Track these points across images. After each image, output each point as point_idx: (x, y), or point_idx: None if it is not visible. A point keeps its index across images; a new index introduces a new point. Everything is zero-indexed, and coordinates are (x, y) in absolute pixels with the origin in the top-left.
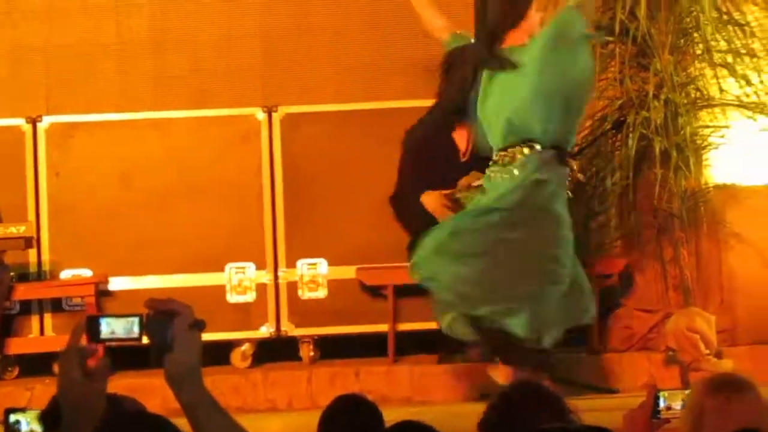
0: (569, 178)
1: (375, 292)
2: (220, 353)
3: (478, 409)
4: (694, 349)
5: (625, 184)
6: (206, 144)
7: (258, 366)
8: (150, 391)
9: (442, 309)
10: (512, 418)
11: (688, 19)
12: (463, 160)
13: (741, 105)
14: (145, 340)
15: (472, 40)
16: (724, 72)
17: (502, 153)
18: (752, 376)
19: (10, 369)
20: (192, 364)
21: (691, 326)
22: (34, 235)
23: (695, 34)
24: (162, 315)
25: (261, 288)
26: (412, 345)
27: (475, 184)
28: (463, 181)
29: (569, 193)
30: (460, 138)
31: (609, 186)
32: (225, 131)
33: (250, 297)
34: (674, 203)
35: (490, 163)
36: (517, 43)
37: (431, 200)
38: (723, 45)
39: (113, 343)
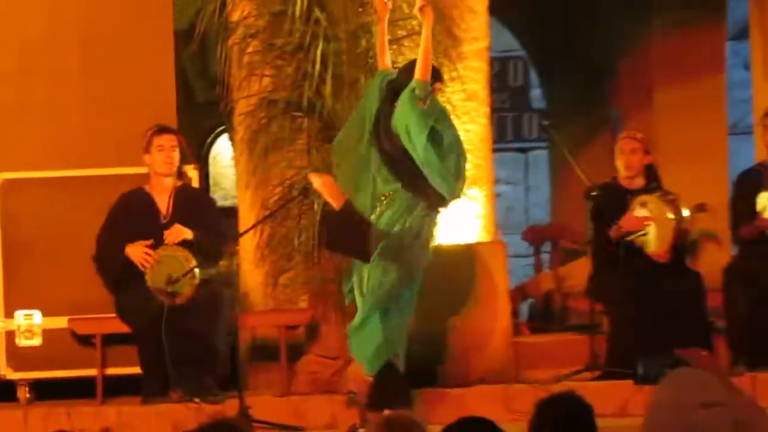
0: None
1: (85, 339)
2: None
3: None
4: None
5: (310, 243)
6: None
7: None
8: None
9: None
10: None
11: None
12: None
13: None
14: None
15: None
16: None
17: None
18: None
19: None
20: None
21: None
22: None
23: None
24: None
25: None
26: (118, 387)
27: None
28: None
29: None
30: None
31: (296, 246)
32: None
33: None
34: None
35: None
36: None
37: (133, 251)
38: None
39: None
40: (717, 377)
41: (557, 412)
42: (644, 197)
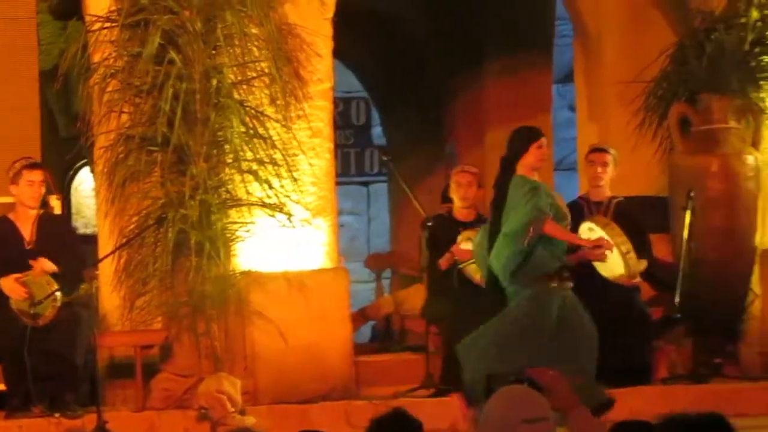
0: None
1: None
2: None
3: None
4: (222, 408)
5: (164, 269)
6: None
7: None
8: None
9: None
10: None
11: (220, 133)
12: None
13: (264, 205)
14: None
15: None
16: (250, 177)
17: None
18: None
19: None
20: None
21: (220, 388)
22: None
23: (226, 146)
24: None
25: None
26: None
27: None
28: None
29: None
30: None
31: (151, 271)
32: None
33: None
34: (207, 286)
35: None
36: None
37: (8, 286)
38: (249, 155)
39: None
40: (563, 393)
41: (388, 428)
42: (472, 232)
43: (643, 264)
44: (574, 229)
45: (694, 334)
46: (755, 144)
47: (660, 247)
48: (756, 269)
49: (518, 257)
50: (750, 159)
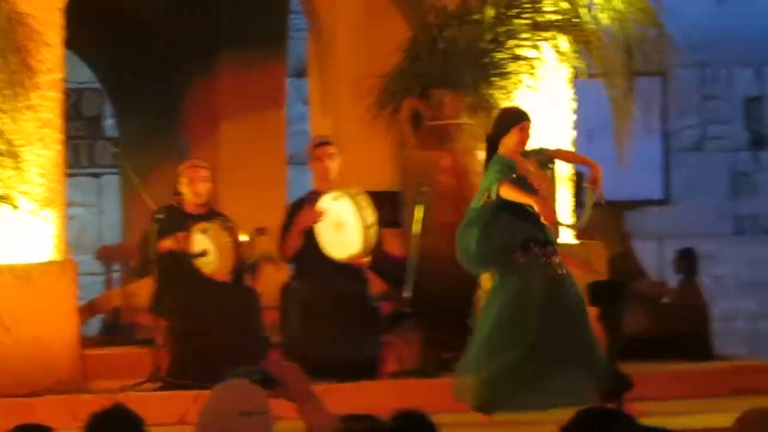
0: None
1: None
2: None
3: None
4: None
5: None
6: None
7: None
8: None
9: None
10: None
11: None
12: None
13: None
14: None
15: None
16: None
17: None
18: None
19: None
20: None
21: None
22: None
23: None
24: None
25: None
26: None
27: None
28: None
29: None
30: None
31: None
32: None
33: None
34: None
35: None
36: None
37: None
38: None
39: None
40: (297, 385)
41: (106, 424)
42: (204, 224)
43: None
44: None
45: (424, 329)
46: None
47: (392, 242)
48: None
49: (475, 238)
50: (481, 155)
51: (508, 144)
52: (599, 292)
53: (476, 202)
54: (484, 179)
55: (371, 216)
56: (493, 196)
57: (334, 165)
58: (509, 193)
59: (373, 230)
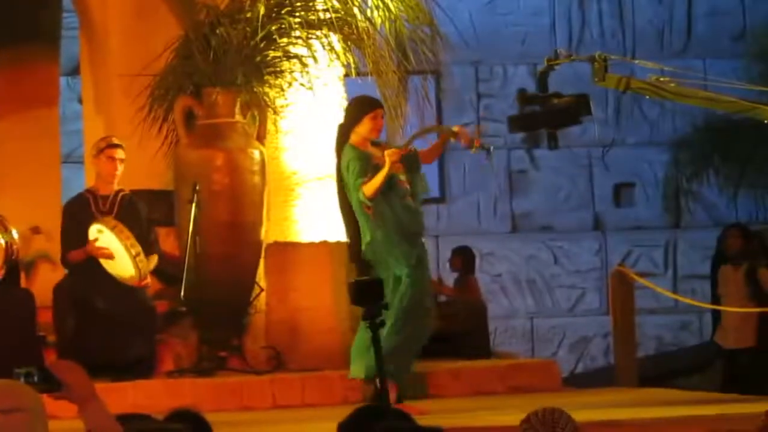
0: None
1: None
2: None
3: None
4: None
5: None
6: None
7: None
8: None
9: None
10: None
11: None
12: None
13: None
14: None
15: None
16: None
17: None
18: None
19: None
20: None
21: None
22: None
23: None
24: None
25: None
26: None
27: None
28: None
29: None
30: None
31: None
32: None
33: None
34: None
35: None
36: None
37: None
38: None
39: None
40: (79, 385)
41: None
42: None
43: (153, 261)
44: (84, 225)
45: (200, 328)
46: (260, 138)
47: (167, 241)
48: (261, 263)
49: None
50: (255, 153)
51: (361, 132)
52: (360, 292)
53: (360, 215)
54: (347, 178)
55: (135, 246)
56: (369, 202)
57: (121, 169)
58: (372, 188)
59: (141, 257)
